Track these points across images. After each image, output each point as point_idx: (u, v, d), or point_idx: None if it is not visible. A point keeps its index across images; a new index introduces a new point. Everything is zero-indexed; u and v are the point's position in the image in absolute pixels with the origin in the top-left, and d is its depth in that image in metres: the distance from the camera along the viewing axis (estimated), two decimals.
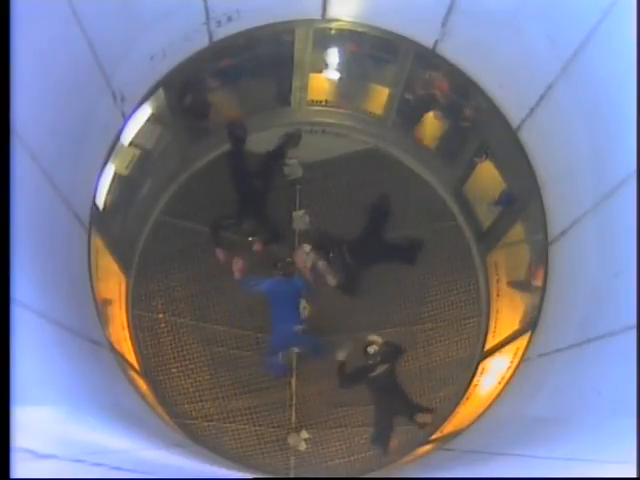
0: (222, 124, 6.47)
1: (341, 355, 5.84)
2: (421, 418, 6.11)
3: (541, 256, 5.20)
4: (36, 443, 2.39)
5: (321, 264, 6.40)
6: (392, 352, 6.02)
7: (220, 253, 6.42)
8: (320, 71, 6.29)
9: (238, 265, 6.24)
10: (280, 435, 6.23)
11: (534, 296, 5.34)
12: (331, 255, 6.36)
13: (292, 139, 6.65)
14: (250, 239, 6.45)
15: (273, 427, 6.24)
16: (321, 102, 6.62)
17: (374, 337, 6.02)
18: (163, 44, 4.86)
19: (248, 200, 6.34)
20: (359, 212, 6.60)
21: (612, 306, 3.79)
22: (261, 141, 6.61)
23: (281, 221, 6.67)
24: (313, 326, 6.27)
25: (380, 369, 5.92)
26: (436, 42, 5.18)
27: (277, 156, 6.60)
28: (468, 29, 4.75)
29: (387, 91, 6.36)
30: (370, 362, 5.89)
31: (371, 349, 5.94)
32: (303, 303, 6.31)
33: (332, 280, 6.45)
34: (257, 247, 6.51)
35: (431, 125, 6.50)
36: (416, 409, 6.15)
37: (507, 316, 6.09)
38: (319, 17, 5.39)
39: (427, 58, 5.50)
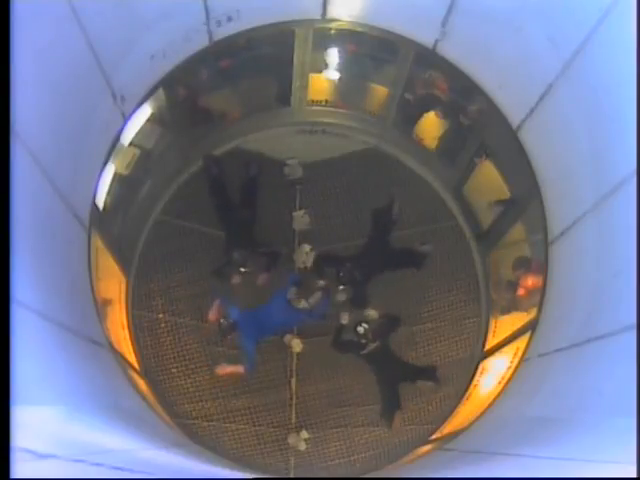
0: (222, 125, 6.49)
1: (344, 319, 5.98)
2: (424, 382, 6.18)
3: (541, 256, 5.20)
4: (36, 443, 2.39)
5: (317, 295, 6.23)
6: (388, 325, 6.04)
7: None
8: (320, 71, 6.27)
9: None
10: (280, 435, 6.22)
11: (534, 296, 5.34)
12: (341, 275, 6.25)
13: (258, 170, 6.52)
14: (242, 270, 6.24)
15: (273, 427, 6.24)
16: (321, 102, 6.60)
17: (371, 312, 6.06)
18: (163, 44, 4.86)
19: (236, 232, 6.29)
20: (359, 213, 6.58)
21: (612, 306, 3.79)
22: (260, 141, 6.61)
23: (276, 242, 6.45)
24: (311, 328, 6.28)
25: (371, 347, 5.94)
26: (436, 42, 5.18)
27: (252, 187, 6.49)
28: (468, 29, 4.75)
29: (387, 91, 6.35)
30: (360, 341, 5.92)
31: (360, 329, 5.92)
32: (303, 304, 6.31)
33: (342, 296, 6.34)
34: (261, 280, 6.33)
35: (431, 125, 6.49)
36: (418, 373, 6.19)
37: (507, 316, 6.09)
38: (319, 17, 5.38)
39: (427, 58, 5.49)
